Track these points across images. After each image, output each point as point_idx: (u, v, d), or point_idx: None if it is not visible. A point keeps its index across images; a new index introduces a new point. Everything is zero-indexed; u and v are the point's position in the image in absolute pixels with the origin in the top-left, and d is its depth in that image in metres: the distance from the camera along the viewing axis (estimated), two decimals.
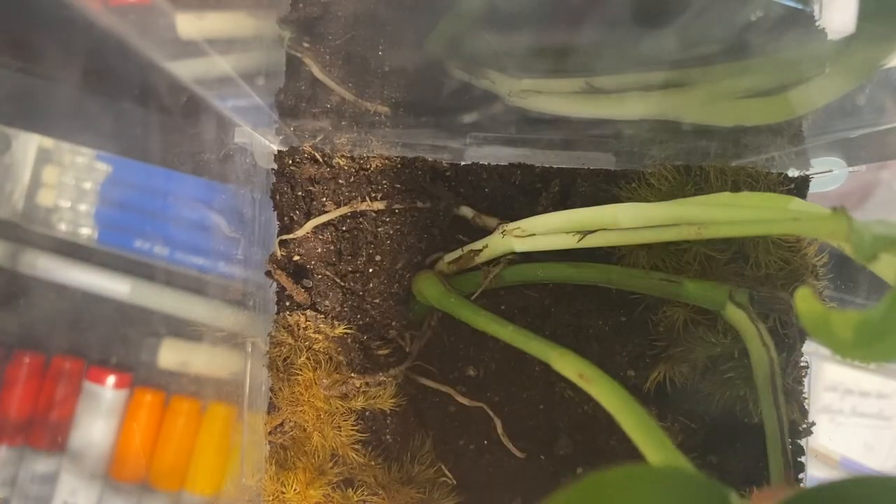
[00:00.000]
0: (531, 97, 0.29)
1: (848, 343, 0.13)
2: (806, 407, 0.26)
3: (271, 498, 0.30)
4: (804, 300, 0.14)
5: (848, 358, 0.14)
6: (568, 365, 0.20)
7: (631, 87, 0.27)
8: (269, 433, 0.31)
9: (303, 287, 0.31)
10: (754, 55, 0.25)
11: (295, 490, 0.30)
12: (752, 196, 0.23)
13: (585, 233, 0.23)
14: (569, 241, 0.24)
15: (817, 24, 0.25)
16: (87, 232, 0.36)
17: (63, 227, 0.35)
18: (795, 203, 0.22)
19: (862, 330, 0.13)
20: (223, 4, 0.28)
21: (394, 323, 0.30)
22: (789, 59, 0.26)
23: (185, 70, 0.28)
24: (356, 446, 0.30)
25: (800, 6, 0.25)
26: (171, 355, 0.36)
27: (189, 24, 0.26)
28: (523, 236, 0.25)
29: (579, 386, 0.19)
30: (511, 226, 0.26)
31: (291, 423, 0.31)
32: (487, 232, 0.28)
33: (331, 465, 0.30)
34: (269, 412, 0.32)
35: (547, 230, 0.25)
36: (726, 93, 0.27)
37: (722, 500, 0.13)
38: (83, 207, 0.35)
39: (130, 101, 0.34)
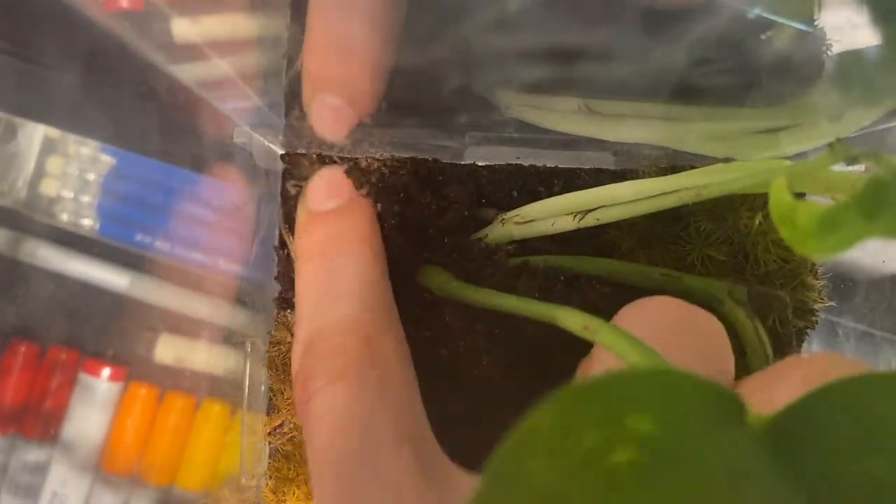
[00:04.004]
0: (528, 111, 0.29)
1: (808, 232, 0.14)
2: None
3: None
4: (777, 190, 0.15)
5: (804, 250, 0.14)
6: (572, 320, 0.20)
7: (628, 114, 0.28)
8: (269, 434, 0.31)
9: None
10: (756, 101, 0.26)
11: (297, 497, 0.30)
12: (744, 164, 0.23)
13: (585, 212, 0.23)
14: (569, 223, 0.24)
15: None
16: (88, 223, 0.36)
17: (65, 217, 0.36)
18: (787, 163, 0.22)
19: (822, 221, 0.14)
20: (220, 7, 0.29)
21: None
22: (792, 107, 0.26)
23: (183, 72, 0.29)
24: None
25: (804, 27, 0.25)
26: (167, 351, 0.36)
27: (185, 28, 0.26)
28: (522, 223, 0.25)
29: (584, 338, 0.20)
30: (510, 214, 0.26)
31: (291, 424, 0.31)
32: (487, 225, 0.28)
33: None
34: (268, 413, 0.32)
35: (546, 214, 0.25)
36: (725, 131, 0.27)
37: (733, 405, 0.13)
38: (86, 199, 0.36)
39: (130, 100, 0.35)
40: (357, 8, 0.21)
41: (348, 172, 0.31)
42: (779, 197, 0.16)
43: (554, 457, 0.11)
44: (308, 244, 0.25)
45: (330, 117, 0.24)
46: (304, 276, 0.24)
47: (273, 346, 0.31)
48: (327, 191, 0.26)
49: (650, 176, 0.28)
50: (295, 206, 0.31)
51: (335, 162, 0.31)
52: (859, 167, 0.19)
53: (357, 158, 0.31)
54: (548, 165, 0.31)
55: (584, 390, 0.12)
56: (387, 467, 0.19)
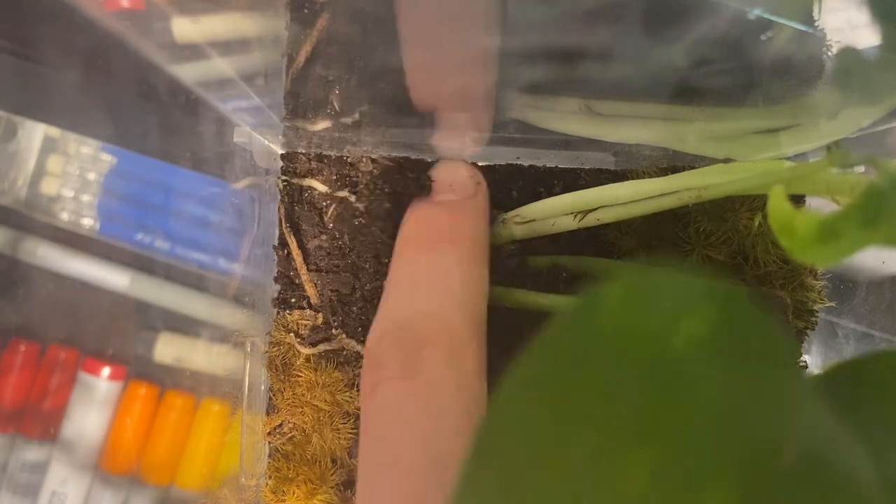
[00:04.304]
0: (528, 112, 0.29)
1: (807, 241, 0.14)
2: None
3: None
4: (776, 198, 0.15)
5: (804, 259, 0.14)
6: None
7: (628, 115, 0.28)
8: (269, 433, 0.31)
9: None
10: (756, 102, 0.26)
11: (296, 497, 0.30)
12: (744, 164, 0.23)
13: (586, 212, 0.23)
14: (569, 223, 0.24)
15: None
16: (88, 223, 0.36)
17: (65, 216, 0.36)
18: (787, 164, 0.22)
19: (821, 230, 0.14)
20: (220, 7, 0.29)
21: None
22: (792, 107, 0.26)
23: (183, 72, 0.29)
24: (353, 449, 0.30)
25: (804, 28, 0.25)
26: (167, 350, 0.36)
27: (186, 28, 0.26)
28: (522, 223, 0.25)
29: None
30: (510, 214, 0.26)
31: (290, 424, 0.31)
32: None
33: (331, 471, 0.30)
34: (268, 413, 0.32)
35: (546, 215, 0.25)
36: (725, 131, 0.27)
37: (794, 350, 0.13)
38: (86, 198, 0.36)
39: (130, 99, 0.35)
40: (468, 18, 0.20)
41: (351, 178, 0.31)
42: (778, 206, 0.16)
43: (618, 334, 0.11)
44: (414, 229, 0.24)
45: (454, 134, 0.24)
46: (404, 259, 0.24)
47: (273, 346, 0.31)
48: (448, 182, 0.26)
49: (650, 176, 0.28)
50: (291, 205, 0.31)
51: (333, 162, 0.31)
52: (859, 168, 0.19)
53: (357, 158, 0.31)
54: (548, 166, 0.31)
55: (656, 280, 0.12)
56: (441, 483, 0.18)
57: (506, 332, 0.28)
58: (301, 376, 0.30)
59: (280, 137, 0.31)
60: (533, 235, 0.27)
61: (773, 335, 0.13)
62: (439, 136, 0.23)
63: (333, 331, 0.30)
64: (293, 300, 0.31)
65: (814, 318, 0.27)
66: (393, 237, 0.31)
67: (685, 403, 0.11)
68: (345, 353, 0.30)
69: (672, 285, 0.12)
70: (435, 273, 0.22)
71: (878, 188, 0.14)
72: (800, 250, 0.15)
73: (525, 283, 0.28)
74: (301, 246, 0.31)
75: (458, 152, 0.24)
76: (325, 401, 0.29)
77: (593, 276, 0.27)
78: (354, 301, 0.30)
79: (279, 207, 0.31)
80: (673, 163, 0.29)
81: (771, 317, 0.13)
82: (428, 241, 0.23)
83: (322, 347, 0.30)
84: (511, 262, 0.28)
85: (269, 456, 0.31)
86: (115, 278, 0.36)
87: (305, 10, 0.31)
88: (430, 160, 0.31)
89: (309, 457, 0.30)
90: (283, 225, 0.31)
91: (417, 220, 0.25)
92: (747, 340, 0.12)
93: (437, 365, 0.20)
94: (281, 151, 0.31)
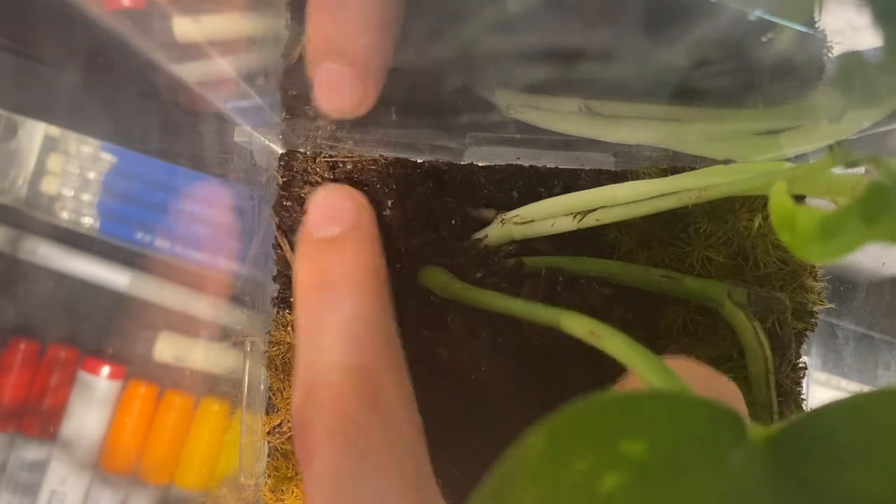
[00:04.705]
0: (528, 112, 0.29)
1: (808, 237, 0.14)
2: (805, 408, 0.26)
3: None
4: (777, 194, 0.15)
5: (805, 255, 0.14)
6: (578, 324, 0.20)
7: (629, 115, 0.28)
8: (268, 433, 0.31)
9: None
10: (756, 103, 0.26)
11: (295, 496, 0.30)
12: (744, 165, 0.23)
13: (585, 212, 0.23)
14: (569, 224, 0.24)
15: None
16: (88, 221, 0.36)
17: (65, 215, 0.36)
18: (787, 165, 0.22)
19: (823, 226, 0.14)
20: (220, 7, 0.29)
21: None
22: (793, 108, 0.26)
23: (184, 71, 0.29)
24: None
25: (805, 29, 0.25)
26: (167, 349, 0.36)
27: (186, 27, 0.26)
28: (522, 223, 0.25)
29: (590, 343, 0.19)
30: (510, 214, 0.26)
31: (290, 424, 0.31)
32: (486, 225, 0.28)
33: None
34: (267, 412, 0.32)
35: (546, 215, 0.25)
36: (725, 132, 0.27)
37: (733, 422, 0.13)
38: (86, 197, 0.36)
39: (131, 98, 0.35)
40: None
41: (351, 178, 0.31)
42: (779, 202, 0.16)
43: (543, 485, 0.11)
44: (307, 275, 0.23)
45: (334, 88, 0.21)
46: (303, 310, 0.23)
47: (272, 346, 0.31)
48: (328, 215, 0.25)
49: (650, 177, 0.28)
50: (291, 206, 0.31)
51: (333, 162, 0.31)
52: (859, 169, 0.19)
53: (357, 158, 0.31)
54: (548, 166, 0.31)
55: (576, 416, 0.12)
56: None
57: (502, 342, 0.28)
58: None
59: (280, 137, 0.31)
60: (532, 236, 0.27)
61: (715, 417, 0.13)
62: (321, 93, 0.22)
63: None
64: (292, 299, 0.31)
65: (813, 320, 0.27)
66: (393, 238, 0.31)
67: None
68: None
69: (603, 410, 0.12)
70: (335, 321, 0.22)
71: (881, 185, 0.14)
72: (800, 246, 0.15)
73: (523, 284, 0.28)
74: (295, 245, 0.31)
75: (340, 111, 0.23)
76: None
77: (591, 276, 0.27)
78: None
79: (279, 207, 0.31)
80: (673, 163, 0.29)
81: (709, 401, 0.12)
82: (323, 288, 0.23)
83: None
84: (509, 263, 0.28)
85: (269, 455, 0.31)
86: (114, 277, 0.36)
87: (305, 10, 0.31)
88: (430, 159, 0.31)
89: None
90: (277, 225, 0.31)
91: (308, 268, 0.24)
92: (692, 433, 0.12)
93: (363, 415, 0.20)
94: (281, 151, 0.31)
